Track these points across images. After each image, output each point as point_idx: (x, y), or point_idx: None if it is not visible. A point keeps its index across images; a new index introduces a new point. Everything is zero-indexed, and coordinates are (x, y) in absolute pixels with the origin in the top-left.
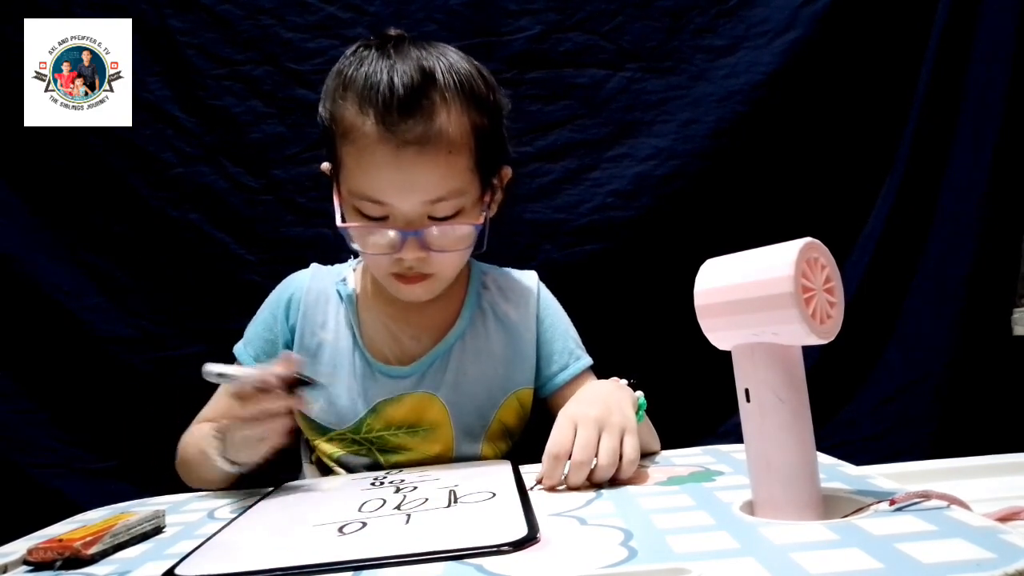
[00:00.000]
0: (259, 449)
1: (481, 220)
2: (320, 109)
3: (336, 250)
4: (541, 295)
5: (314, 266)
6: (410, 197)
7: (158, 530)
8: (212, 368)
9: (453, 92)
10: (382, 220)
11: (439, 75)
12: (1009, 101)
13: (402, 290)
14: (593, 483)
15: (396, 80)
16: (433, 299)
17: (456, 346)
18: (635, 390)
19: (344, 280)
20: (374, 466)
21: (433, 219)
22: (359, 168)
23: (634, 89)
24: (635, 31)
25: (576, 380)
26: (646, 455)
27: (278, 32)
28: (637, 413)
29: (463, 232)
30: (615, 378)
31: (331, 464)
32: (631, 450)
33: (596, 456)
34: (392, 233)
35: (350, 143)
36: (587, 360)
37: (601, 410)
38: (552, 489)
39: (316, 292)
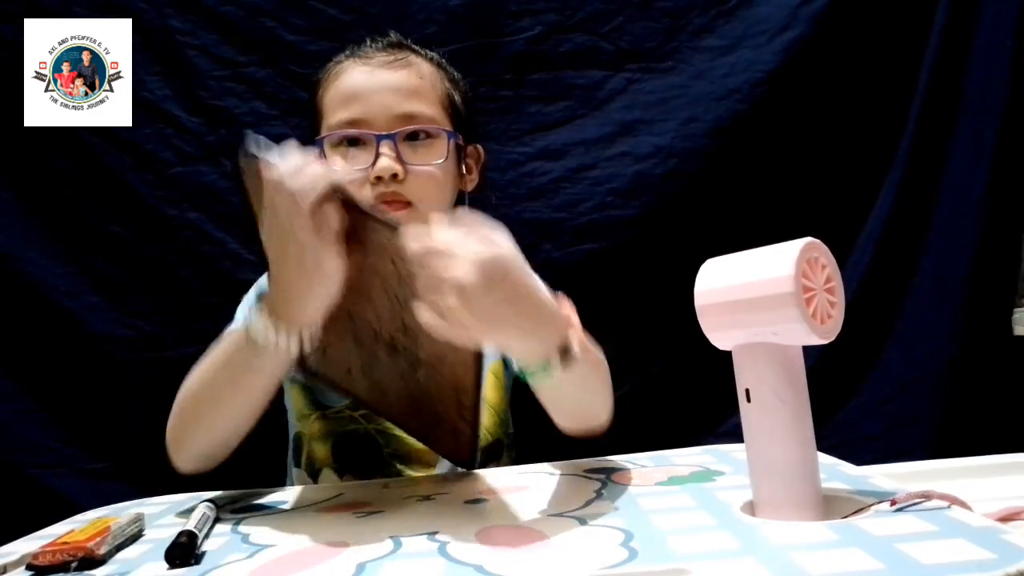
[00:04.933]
0: (311, 299)
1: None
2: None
3: None
4: None
5: None
6: (383, 104)
7: (140, 533)
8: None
9: (425, 57)
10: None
11: (415, 46)
12: (1009, 101)
13: None
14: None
15: (375, 41)
16: None
17: None
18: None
19: None
20: (369, 456)
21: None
22: (336, 95)
23: (634, 89)
24: (635, 31)
25: None
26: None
27: (280, 34)
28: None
29: (436, 147)
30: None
31: (322, 466)
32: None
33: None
34: (366, 141)
35: (329, 81)
36: None
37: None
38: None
39: None
